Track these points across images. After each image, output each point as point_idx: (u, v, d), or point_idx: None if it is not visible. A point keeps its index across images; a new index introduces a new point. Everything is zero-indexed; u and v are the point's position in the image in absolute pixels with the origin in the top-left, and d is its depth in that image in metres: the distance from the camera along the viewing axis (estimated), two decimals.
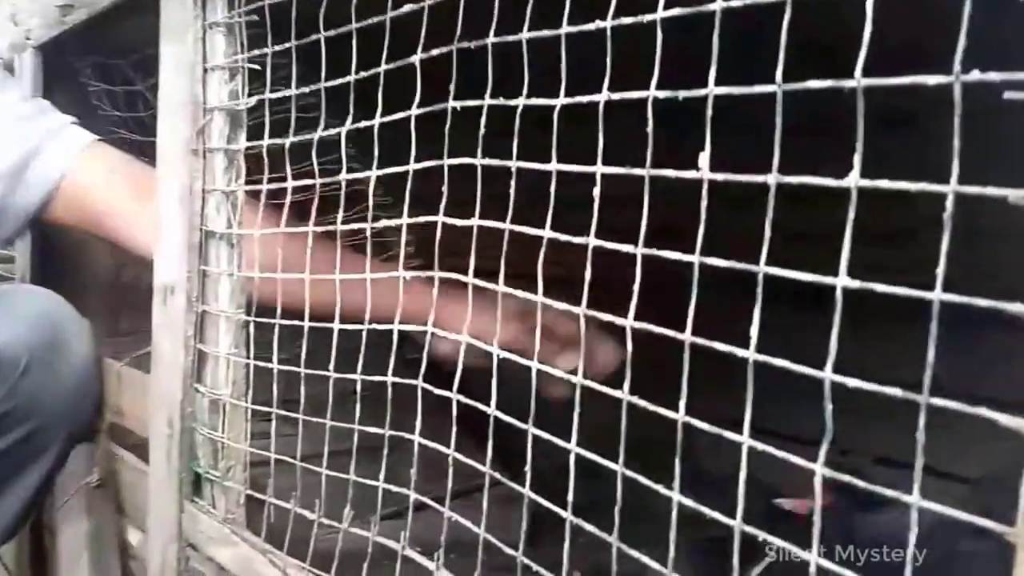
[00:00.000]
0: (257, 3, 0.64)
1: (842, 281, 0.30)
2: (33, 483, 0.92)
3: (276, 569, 0.65)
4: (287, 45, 0.61)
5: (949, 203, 0.27)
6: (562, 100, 0.42)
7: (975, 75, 0.26)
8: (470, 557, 0.53)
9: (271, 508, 0.67)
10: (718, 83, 0.35)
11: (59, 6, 0.95)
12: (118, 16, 0.91)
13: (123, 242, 0.91)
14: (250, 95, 0.67)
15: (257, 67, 0.67)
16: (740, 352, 0.34)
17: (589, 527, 0.43)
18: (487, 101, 0.48)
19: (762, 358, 0.33)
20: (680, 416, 0.37)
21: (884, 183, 0.29)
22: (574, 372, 0.43)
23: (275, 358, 0.66)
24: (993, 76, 0.25)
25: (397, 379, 0.55)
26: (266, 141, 0.65)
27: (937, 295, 0.27)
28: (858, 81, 0.29)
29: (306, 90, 0.60)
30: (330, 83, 0.58)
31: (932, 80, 0.27)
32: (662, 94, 0.37)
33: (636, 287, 0.38)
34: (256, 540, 0.70)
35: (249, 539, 0.70)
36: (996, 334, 0.72)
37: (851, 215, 0.30)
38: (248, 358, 0.71)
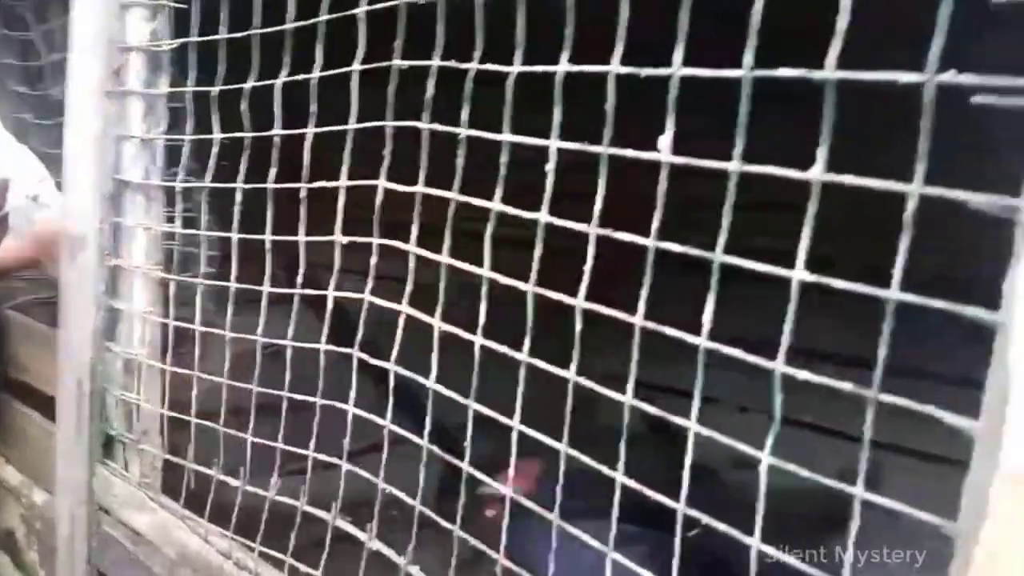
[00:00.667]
0: None
1: (798, 275, 0.30)
2: None
3: (197, 536, 0.63)
4: None
5: (911, 204, 0.27)
6: (517, 68, 0.41)
7: (950, 76, 0.26)
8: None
9: (191, 473, 0.65)
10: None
11: None
12: None
13: None
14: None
15: (182, 6, 0.62)
16: (691, 339, 0.34)
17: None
18: (436, 62, 0.46)
19: (713, 345, 0.33)
20: (628, 399, 0.36)
21: (848, 178, 0.29)
22: None
23: (197, 319, 0.63)
24: (966, 79, 0.25)
25: (332, 347, 0.53)
26: (190, 88, 0.60)
27: (894, 294, 0.28)
28: (830, 73, 0.28)
29: (237, 36, 0.56)
30: (264, 30, 0.55)
31: (905, 78, 0.27)
32: (624, 70, 0.36)
33: (588, 267, 0.38)
34: (175, 506, 0.67)
35: (167, 505, 0.68)
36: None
37: (811, 210, 0.30)
38: (166, 317, 0.67)
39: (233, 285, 0.59)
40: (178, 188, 0.63)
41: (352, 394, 0.54)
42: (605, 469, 0.38)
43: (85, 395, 0.72)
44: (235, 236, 0.58)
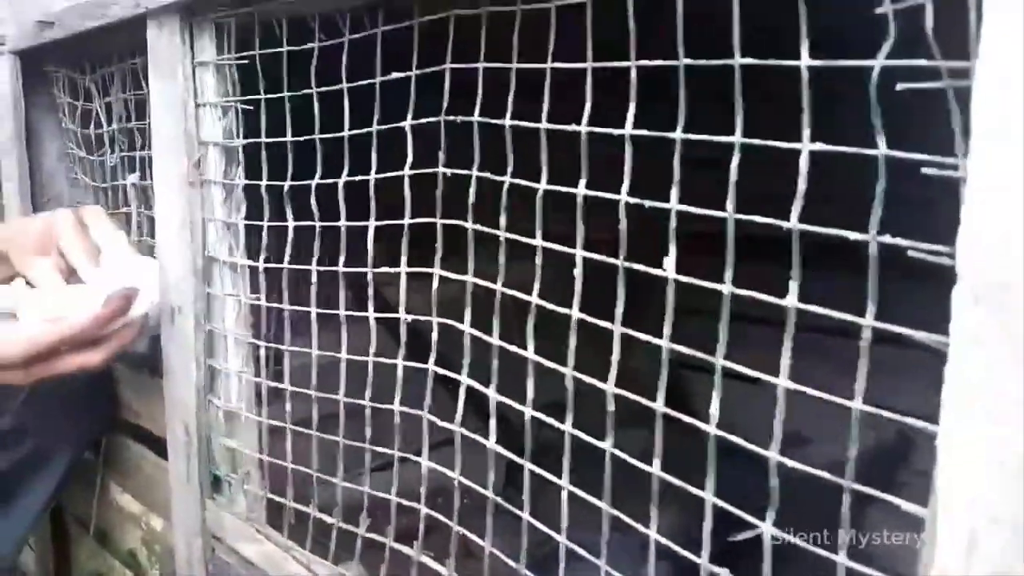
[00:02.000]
0: (247, 53, 0.67)
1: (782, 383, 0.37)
2: (43, 494, 0.98)
3: (301, 566, 0.73)
4: (281, 95, 0.65)
5: (865, 334, 0.34)
6: (544, 186, 0.48)
7: (887, 238, 0.32)
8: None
9: (291, 511, 0.75)
10: None
11: (39, 21, 0.96)
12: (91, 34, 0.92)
13: None
14: (245, 136, 0.71)
15: (250, 107, 0.71)
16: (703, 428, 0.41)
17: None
18: (475, 172, 0.53)
19: (719, 432, 0.40)
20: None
21: (815, 308, 0.35)
22: None
23: (287, 380, 0.72)
24: (902, 242, 0.32)
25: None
26: (264, 181, 0.69)
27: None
28: (794, 224, 0.35)
29: (302, 139, 0.65)
30: (325, 136, 0.63)
31: (853, 236, 0.33)
32: (632, 200, 0.42)
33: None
34: (279, 537, 0.77)
35: (272, 536, 0.78)
36: None
37: (788, 334, 0.36)
38: (257, 376, 0.77)
39: (315, 352, 0.68)
40: (261, 268, 0.72)
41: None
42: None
43: (192, 441, 0.83)
44: (314, 311, 0.67)
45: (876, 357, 0.34)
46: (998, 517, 0.27)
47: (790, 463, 0.37)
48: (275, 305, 0.72)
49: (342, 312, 0.65)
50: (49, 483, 0.98)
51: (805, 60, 0.33)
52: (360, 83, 0.59)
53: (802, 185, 0.34)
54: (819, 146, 0.34)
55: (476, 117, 0.52)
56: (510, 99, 0.50)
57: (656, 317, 0.46)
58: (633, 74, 0.42)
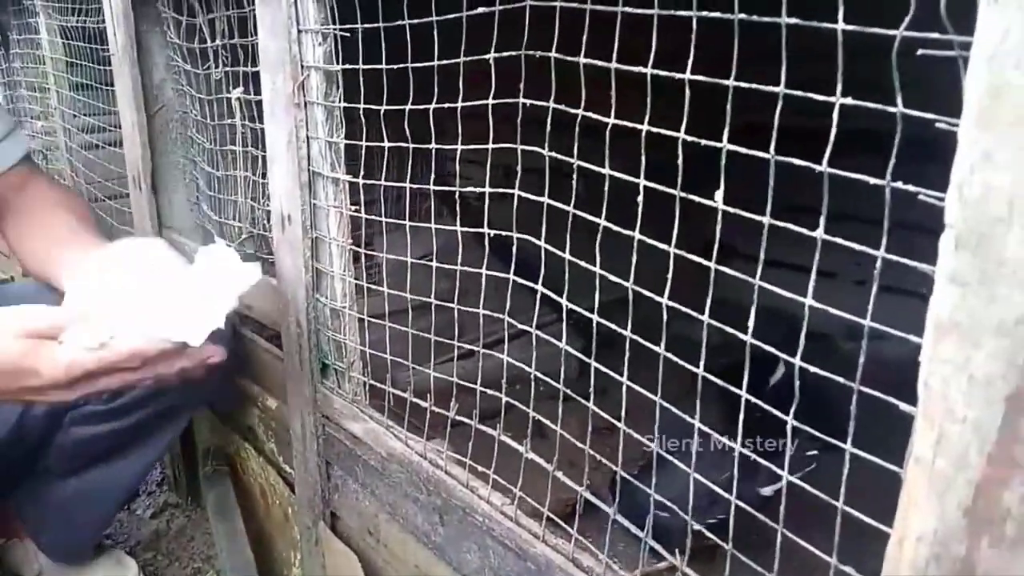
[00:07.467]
0: None
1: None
2: (169, 436, 1.18)
3: (399, 441, 0.85)
4: (376, 25, 0.71)
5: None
6: (612, 120, 0.54)
7: (899, 184, 0.38)
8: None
9: (390, 395, 0.86)
10: None
11: None
12: None
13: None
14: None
15: (347, 35, 0.77)
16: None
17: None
18: (551, 104, 0.59)
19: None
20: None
21: (846, 241, 0.41)
22: None
23: (385, 281, 0.81)
24: (907, 186, 0.37)
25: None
26: (361, 104, 0.77)
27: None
28: (824, 167, 0.40)
29: (395, 67, 0.71)
30: (416, 64, 0.69)
31: (873, 181, 0.39)
32: (690, 138, 0.48)
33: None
34: (380, 417, 0.89)
35: (374, 416, 0.90)
36: None
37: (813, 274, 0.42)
38: (357, 279, 0.87)
39: (409, 260, 0.77)
40: (361, 183, 0.80)
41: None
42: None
43: (304, 334, 0.95)
44: (408, 224, 0.75)
45: None
46: (965, 418, 0.33)
47: (811, 369, 0.43)
48: (373, 217, 0.80)
49: (433, 225, 0.73)
50: (175, 430, 1.17)
51: (841, 24, 0.38)
52: (449, 16, 0.65)
53: (832, 133, 0.40)
54: (849, 100, 0.39)
55: (553, 53, 0.57)
56: (584, 37, 0.55)
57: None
58: (694, 23, 0.47)
